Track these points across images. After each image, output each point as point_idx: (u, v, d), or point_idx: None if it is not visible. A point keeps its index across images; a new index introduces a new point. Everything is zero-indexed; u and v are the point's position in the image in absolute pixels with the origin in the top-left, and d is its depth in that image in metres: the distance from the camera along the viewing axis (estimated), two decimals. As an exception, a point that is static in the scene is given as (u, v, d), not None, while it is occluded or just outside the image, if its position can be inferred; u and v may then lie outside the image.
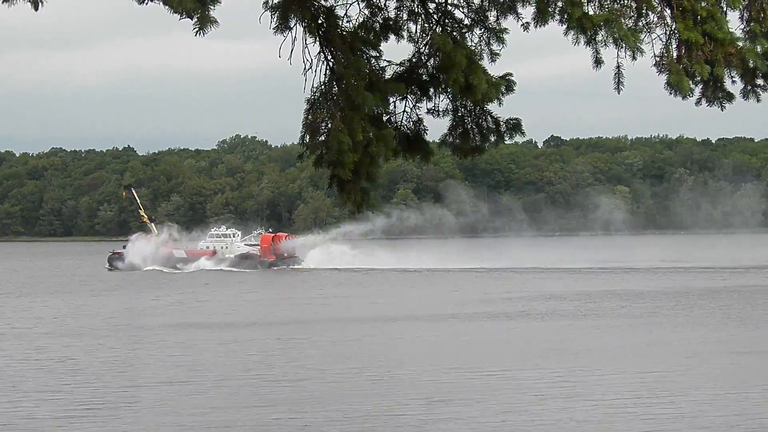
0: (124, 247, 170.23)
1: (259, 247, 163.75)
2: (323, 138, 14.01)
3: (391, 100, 14.48)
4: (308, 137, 14.13)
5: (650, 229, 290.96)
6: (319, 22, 14.02)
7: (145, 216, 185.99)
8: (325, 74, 14.12)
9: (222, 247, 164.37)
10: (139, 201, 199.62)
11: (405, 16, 14.58)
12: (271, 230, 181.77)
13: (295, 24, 13.93)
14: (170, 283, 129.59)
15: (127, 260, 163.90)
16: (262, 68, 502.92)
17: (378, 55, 14.45)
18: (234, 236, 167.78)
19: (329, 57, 14.13)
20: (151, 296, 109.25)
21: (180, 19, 13.06)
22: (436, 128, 15.14)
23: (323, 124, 13.99)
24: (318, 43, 14.07)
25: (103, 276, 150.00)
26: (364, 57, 14.26)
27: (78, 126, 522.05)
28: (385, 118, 14.63)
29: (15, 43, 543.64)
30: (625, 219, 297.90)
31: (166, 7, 13.00)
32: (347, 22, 14.26)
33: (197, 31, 13.16)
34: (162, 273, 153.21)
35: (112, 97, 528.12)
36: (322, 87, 14.11)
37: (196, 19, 13.08)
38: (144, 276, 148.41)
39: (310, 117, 14.14)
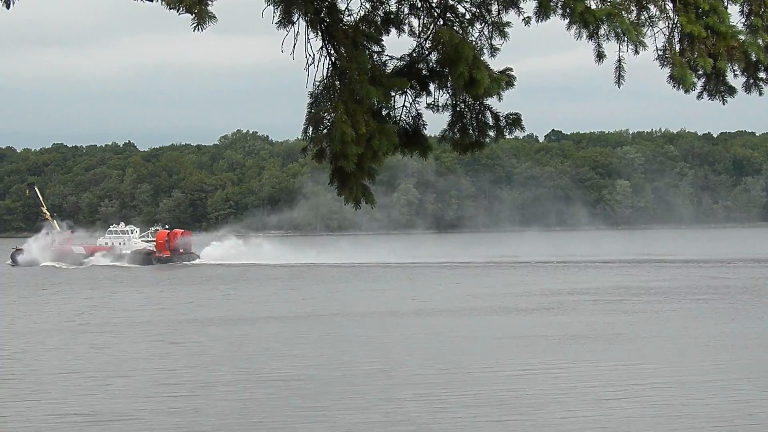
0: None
1: (155, 244, 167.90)
2: (326, 130, 14.05)
3: (392, 95, 14.52)
4: (311, 129, 14.18)
5: (651, 224, 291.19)
6: (322, 16, 14.07)
7: (48, 213, 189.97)
8: (327, 69, 14.18)
9: (119, 243, 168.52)
10: (41, 198, 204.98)
11: (406, 10, 14.63)
12: (167, 227, 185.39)
13: (298, 18, 13.99)
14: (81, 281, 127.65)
15: (26, 256, 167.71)
16: (264, 63, 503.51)
17: (380, 50, 14.52)
18: (132, 233, 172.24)
19: (332, 51, 14.18)
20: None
21: (179, 14, 13.18)
22: (435, 123, 15.22)
23: (327, 116, 14.02)
24: (320, 37, 14.14)
25: (3, 271, 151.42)
26: (367, 52, 14.31)
27: (79, 122, 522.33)
28: (384, 113, 14.67)
29: (18, 40, 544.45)
30: (626, 214, 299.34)
31: (163, 3, 13.11)
32: (348, 16, 14.32)
33: (195, 27, 13.30)
34: (60, 269, 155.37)
35: (113, 93, 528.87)
36: (325, 81, 14.17)
37: (194, 15, 13.19)
38: (43, 272, 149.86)
39: (313, 110, 14.19)
